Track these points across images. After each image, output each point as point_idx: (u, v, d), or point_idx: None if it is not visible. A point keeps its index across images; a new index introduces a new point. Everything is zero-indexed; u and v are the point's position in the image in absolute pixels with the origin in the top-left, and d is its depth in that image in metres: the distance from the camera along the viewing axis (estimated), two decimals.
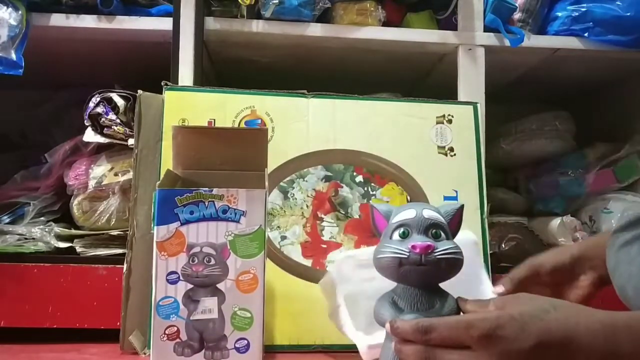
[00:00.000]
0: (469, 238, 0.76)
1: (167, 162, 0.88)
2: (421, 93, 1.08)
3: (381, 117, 1.01)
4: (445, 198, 0.97)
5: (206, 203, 0.73)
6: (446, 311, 0.49)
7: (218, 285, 0.72)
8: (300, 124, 0.99)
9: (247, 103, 0.98)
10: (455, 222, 0.51)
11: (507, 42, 1.11)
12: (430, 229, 0.49)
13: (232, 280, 0.72)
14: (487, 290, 0.70)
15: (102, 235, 1.02)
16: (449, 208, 0.52)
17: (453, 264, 0.49)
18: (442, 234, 0.49)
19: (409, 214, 0.50)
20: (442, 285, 0.51)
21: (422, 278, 0.48)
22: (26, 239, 1.02)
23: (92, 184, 1.03)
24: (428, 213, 0.50)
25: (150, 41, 1.11)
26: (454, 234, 0.52)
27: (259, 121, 0.98)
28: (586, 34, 1.14)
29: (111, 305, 0.91)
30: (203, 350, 0.72)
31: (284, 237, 0.94)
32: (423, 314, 0.48)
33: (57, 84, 1.34)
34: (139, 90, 0.96)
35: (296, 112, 0.99)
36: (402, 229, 0.49)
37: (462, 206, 0.52)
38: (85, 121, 1.03)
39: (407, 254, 0.47)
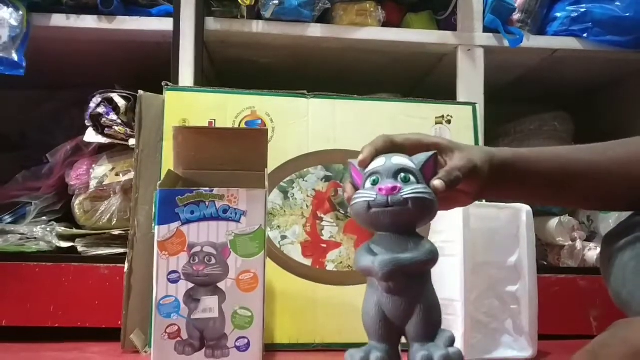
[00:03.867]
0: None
1: (168, 162, 0.89)
2: (421, 93, 1.09)
3: (381, 117, 1.02)
4: None
5: (207, 203, 0.73)
6: (421, 253, 0.48)
7: (219, 285, 0.73)
8: (300, 124, 0.99)
9: (247, 103, 0.99)
10: (429, 169, 0.51)
11: (506, 43, 1.12)
12: (399, 173, 0.50)
13: (233, 280, 0.73)
14: None
15: (104, 235, 1.02)
16: (422, 156, 0.52)
17: (420, 204, 0.48)
18: (412, 177, 0.50)
19: (379, 162, 0.51)
20: None
21: (391, 220, 0.49)
22: (28, 238, 1.02)
23: (93, 183, 1.03)
24: (397, 160, 0.51)
25: (150, 41, 1.11)
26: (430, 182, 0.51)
27: (259, 121, 0.98)
28: (585, 35, 1.14)
29: (112, 304, 0.91)
30: (204, 349, 0.72)
31: (284, 237, 0.95)
32: (396, 254, 0.48)
33: (58, 84, 1.34)
34: (139, 91, 0.97)
35: (296, 112, 1.00)
36: (373, 177, 0.50)
37: (435, 154, 0.52)
38: (86, 121, 1.03)
39: (375, 196, 0.48)
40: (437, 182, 0.50)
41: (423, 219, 0.51)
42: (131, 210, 0.93)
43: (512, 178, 0.57)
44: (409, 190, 0.48)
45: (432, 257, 0.49)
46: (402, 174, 0.50)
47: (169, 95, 0.97)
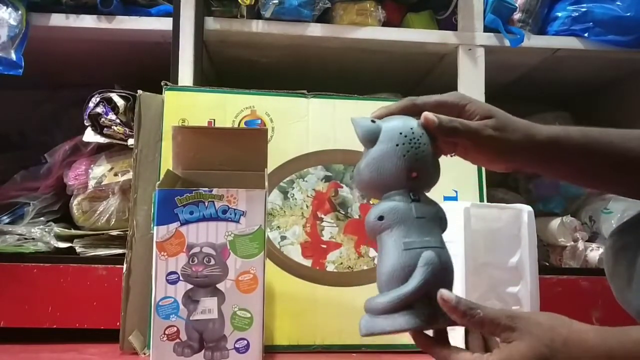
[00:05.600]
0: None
1: (167, 162, 0.88)
2: (421, 93, 1.07)
3: None
4: (445, 198, 0.97)
5: (206, 203, 0.72)
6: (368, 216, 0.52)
7: (218, 286, 0.72)
8: (300, 124, 0.99)
9: (246, 103, 0.98)
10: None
11: (507, 42, 1.11)
12: None
13: (232, 281, 0.72)
14: None
15: (102, 236, 1.02)
16: None
17: (354, 177, 0.53)
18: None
19: None
20: None
21: None
22: (26, 239, 1.02)
23: (91, 184, 1.03)
24: None
25: (150, 41, 1.11)
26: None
27: (259, 121, 0.98)
28: (586, 34, 1.14)
29: (111, 305, 0.91)
30: (203, 351, 0.72)
31: (283, 237, 0.94)
32: None
33: (57, 84, 1.34)
34: (138, 91, 0.96)
35: (296, 112, 0.99)
36: None
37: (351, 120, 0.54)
38: (85, 121, 1.03)
39: None
40: (428, 113, 0.51)
41: (365, 187, 0.53)
42: (130, 210, 0.92)
43: (568, 159, 0.54)
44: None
45: (377, 216, 0.51)
46: None
47: (168, 95, 0.96)
